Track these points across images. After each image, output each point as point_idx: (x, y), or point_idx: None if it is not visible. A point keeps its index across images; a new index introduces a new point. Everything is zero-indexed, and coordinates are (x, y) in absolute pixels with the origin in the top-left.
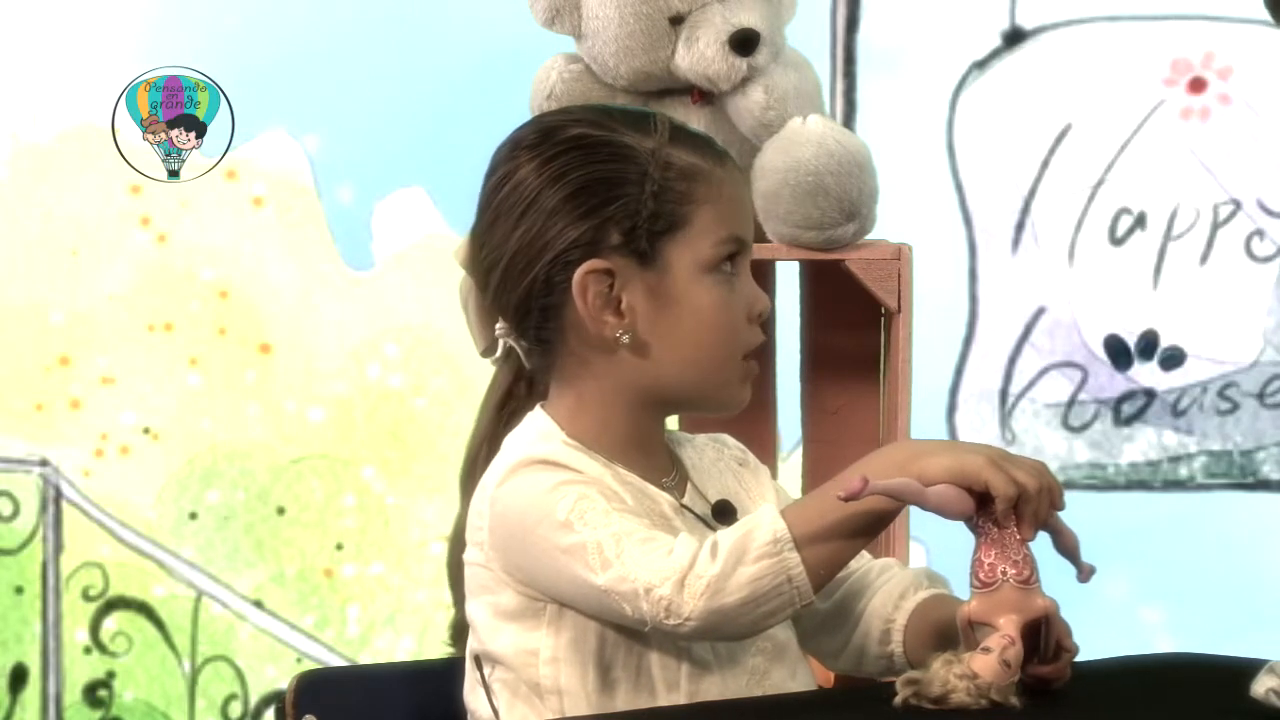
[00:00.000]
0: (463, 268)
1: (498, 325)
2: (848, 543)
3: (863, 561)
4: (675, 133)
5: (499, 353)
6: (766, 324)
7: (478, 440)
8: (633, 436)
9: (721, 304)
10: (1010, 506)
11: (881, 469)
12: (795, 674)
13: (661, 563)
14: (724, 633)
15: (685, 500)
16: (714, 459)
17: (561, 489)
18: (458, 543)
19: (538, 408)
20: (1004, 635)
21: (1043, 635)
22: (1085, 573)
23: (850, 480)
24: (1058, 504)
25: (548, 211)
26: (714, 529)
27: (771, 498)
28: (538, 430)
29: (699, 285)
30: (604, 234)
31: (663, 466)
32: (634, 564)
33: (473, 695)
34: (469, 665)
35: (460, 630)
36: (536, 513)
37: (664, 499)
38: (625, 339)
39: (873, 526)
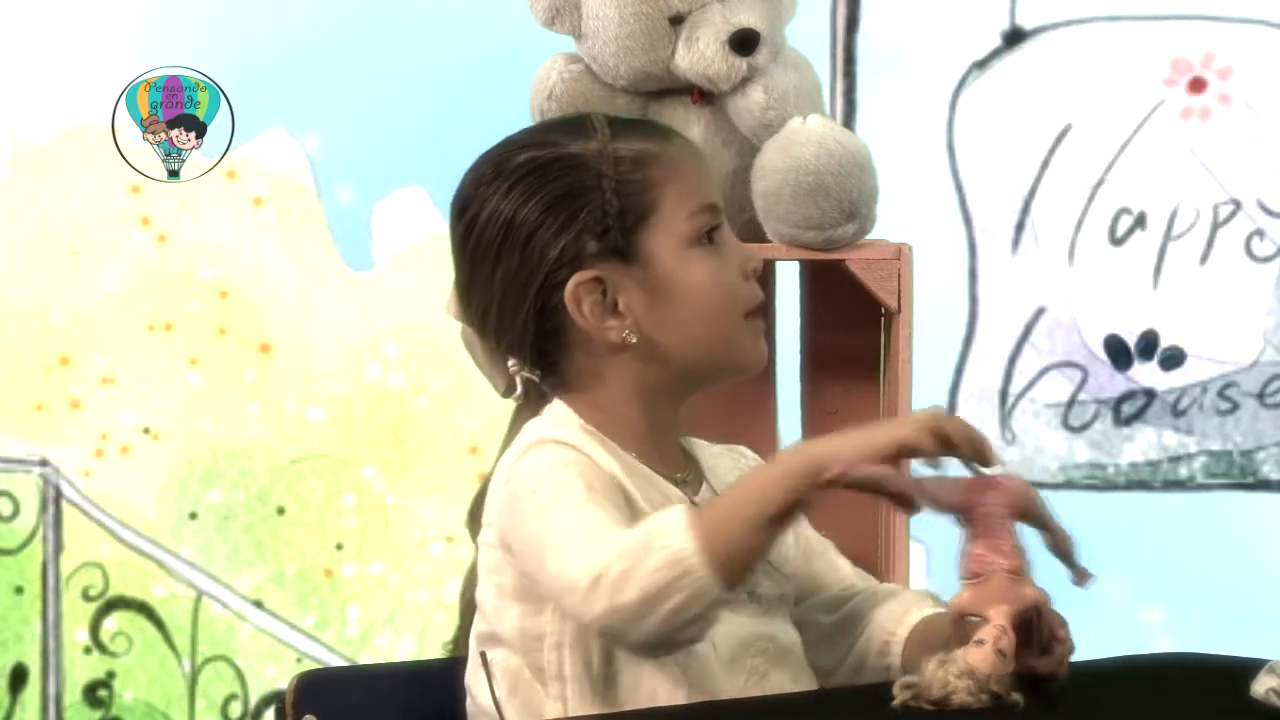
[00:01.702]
0: (458, 320)
1: (510, 363)
2: (758, 531)
3: (870, 583)
4: (615, 126)
5: (519, 390)
6: (764, 279)
7: (490, 479)
8: (647, 432)
9: (714, 272)
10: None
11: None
12: (799, 678)
13: (589, 557)
14: (631, 635)
15: (699, 499)
16: (730, 467)
17: (553, 473)
18: (472, 577)
19: (556, 399)
20: (996, 625)
21: (1035, 626)
22: (1082, 578)
23: (831, 470)
24: (981, 451)
25: (522, 242)
26: None
27: None
28: (557, 416)
29: (687, 262)
30: (581, 245)
31: (677, 463)
32: (573, 558)
33: (475, 678)
34: (472, 647)
35: (461, 642)
36: (527, 489)
37: (674, 493)
38: (632, 338)
39: (783, 516)
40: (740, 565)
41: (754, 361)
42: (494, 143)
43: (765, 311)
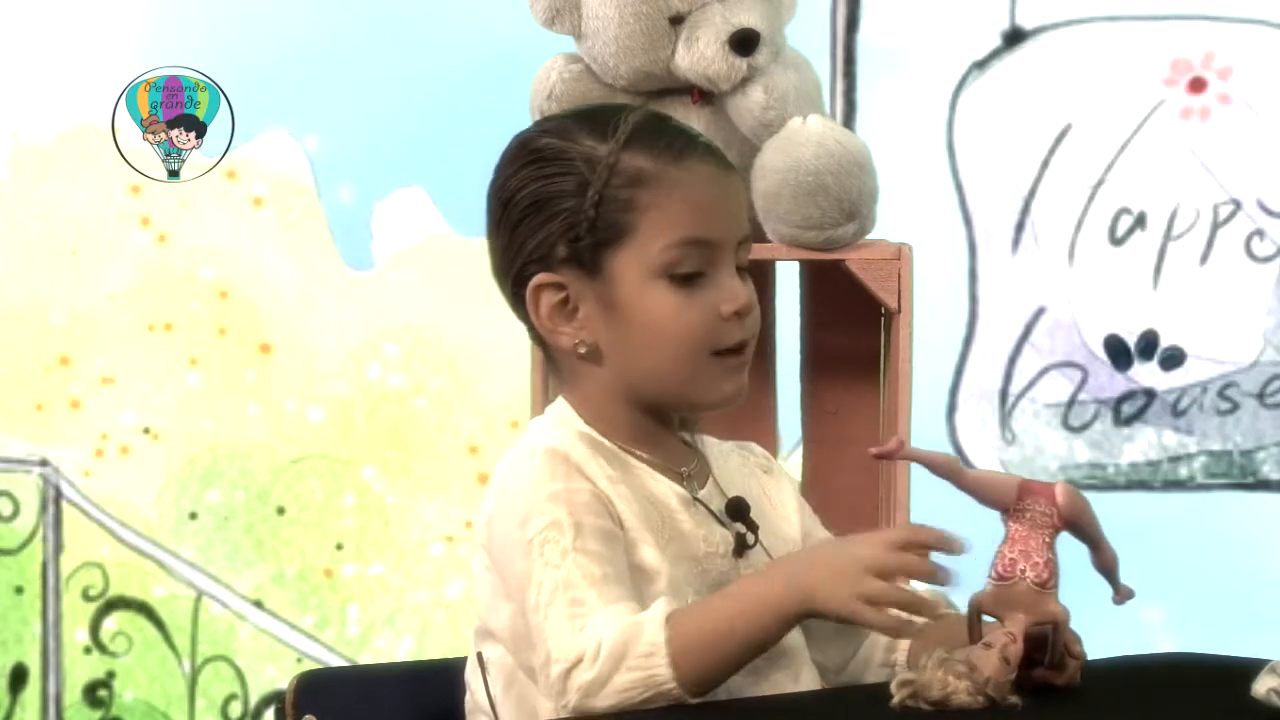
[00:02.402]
0: None
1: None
2: (738, 656)
3: None
4: (636, 133)
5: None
6: (764, 316)
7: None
8: (640, 430)
9: (674, 310)
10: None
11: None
12: (799, 678)
13: (568, 641)
14: None
15: (703, 494)
16: (738, 464)
17: (544, 506)
18: None
19: (559, 397)
20: (1007, 632)
21: (1050, 641)
22: (1122, 595)
23: (886, 441)
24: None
25: (512, 224)
26: (726, 526)
27: (793, 506)
28: (558, 416)
29: (649, 292)
30: (554, 247)
31: (680, 457)
32: (551, 627)
33: (473, 674)
34: (471, 643)
35: None
36: (516, 515)
37: (674, 491)
38: (582, 348)
39: (761, 644)
40: (714, 681)
41: (716, 400)
42: (499, 139)
43: (747, 348)
